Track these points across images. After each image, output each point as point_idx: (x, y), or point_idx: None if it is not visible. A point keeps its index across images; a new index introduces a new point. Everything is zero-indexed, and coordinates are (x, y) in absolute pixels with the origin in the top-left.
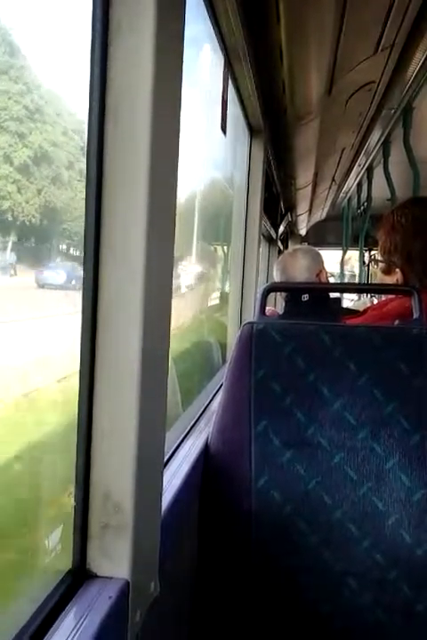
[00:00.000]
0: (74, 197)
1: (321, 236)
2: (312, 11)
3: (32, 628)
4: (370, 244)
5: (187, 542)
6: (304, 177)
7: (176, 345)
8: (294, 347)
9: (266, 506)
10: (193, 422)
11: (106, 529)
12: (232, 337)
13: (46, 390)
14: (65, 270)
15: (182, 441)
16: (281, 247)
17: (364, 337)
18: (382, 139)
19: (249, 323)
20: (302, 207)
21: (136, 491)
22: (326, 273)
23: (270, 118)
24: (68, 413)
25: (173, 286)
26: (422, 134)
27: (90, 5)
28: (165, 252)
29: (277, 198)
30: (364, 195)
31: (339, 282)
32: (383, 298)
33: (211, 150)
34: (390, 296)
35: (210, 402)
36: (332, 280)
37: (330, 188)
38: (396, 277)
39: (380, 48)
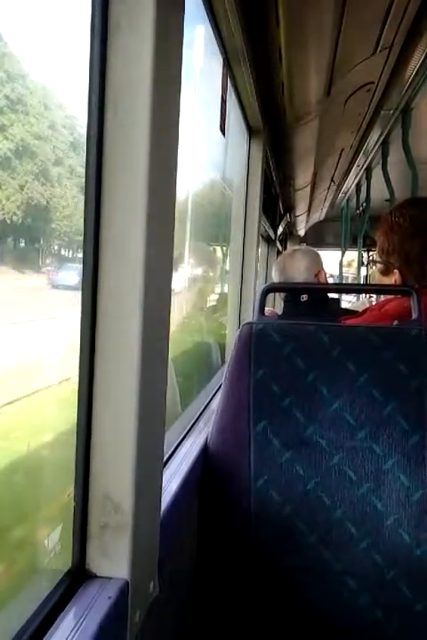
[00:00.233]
0: (64, 195)
1: (320, 236)
2: (311, 11)
3: (32, 627)
4: (369, 244)
5: (186, 542)
6: (303, 177)
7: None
8: (293, 347)
9: (265, 506)
10: (192, 422)
11: (105, 529)
12: (231, 337)
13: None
14: (77, 272)
15: (182, 441)
16: (280, 248)
17: (363, 337)
18: (381, 139)
19: (248, 323)
20: (301, 208)
21: (135, 491)
22: (325, 273)
23: (269, 119)
24: None
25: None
26: (420, 135)
27: (88, 3)
28: (165, 250)
29: (275, 199)
30: (363, 195)
31: (338, 282)
32: (382, 298)
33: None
34: (389, 296)
35: (209, 402)
36: (331, 281)
37: (329, 188)
38: (394, 278)
39: (379, 49)
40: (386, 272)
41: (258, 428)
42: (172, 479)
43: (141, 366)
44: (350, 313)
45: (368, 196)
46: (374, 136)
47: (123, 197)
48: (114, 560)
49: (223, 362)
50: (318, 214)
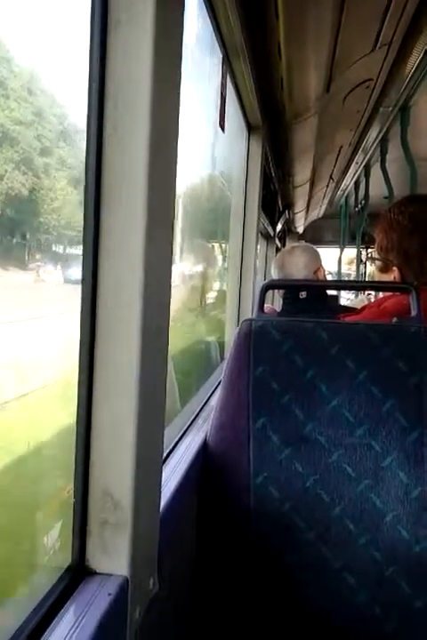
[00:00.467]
0: (52, 187)
1: (319, 233)
2: (311, 7)
3: (32, 624)
4: (367, 241)
5: (186, 539)
6: (302, 174)
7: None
8: (292, 344)
9: (264, 503)
10: (192, 418)
11: (105, 525)
12: (230, 334)
13: None
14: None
15: (181, 437)
16: (279, 245)
17: (362, 334)
18: (380, 136)
19: (248, 320)
20: (300, 205)
21: (135, 487)
22: (324, 270)
23: (268, 115)
24: None
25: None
26: (419, 132)
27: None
28: (165, 246)
29: (274, 195)
30: (361, 193)
31: (337, 279)
32: (381, 295)
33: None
34: (388, 294)
35: (208, 398)
36: (329, 278)
37: (328, 185)
38: (393, 275)
39: (378, 45)
40: (385, 269)
41: (257, 424)
42: (171, 476)
43: (141, 362)
44: (348, 310)
45: (367, 194)
46: (373, 133)
47: (123, 192)
48: (113, 557)
49: (222, 359)
50: (317, 211)
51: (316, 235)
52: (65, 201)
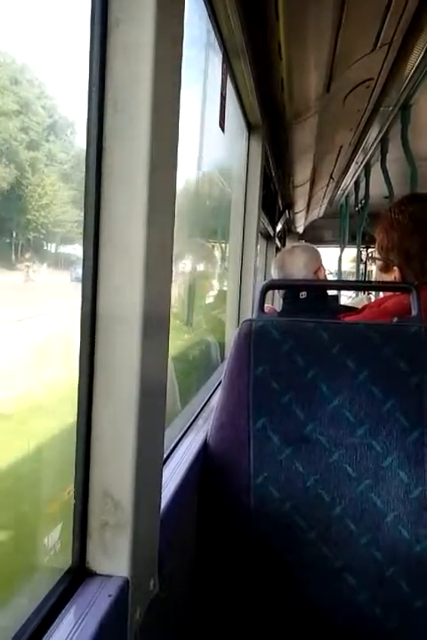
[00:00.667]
0: (41, 183)
1: (319, 233)
2: (311, 7)
3: (33, 625)
4: (368, 241)
5: (186, 540)
6: (302, 174)
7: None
8: (292, 344)
9: (265, 503)
10: (192, 419)
11: (105, 527)
12: (231, 334)
13: None
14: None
15: (181, 438)
16: (279, 245)
17: (362, 334)
18: (380, 136)
19: (248, 320)
20: (300, 205)
21: (135, 488)
22: (324, 270)
23: (269, 115)
24: None
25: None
26: (419, 131)
27: None
28: (165, 246)
29: (275, 195)
30: (361, 192)
31: (337, 279)
32: (381, 295)
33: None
34: (388, 293)
35: (209, 399)
36: (330, 278)
37: (328, 185)
38: (394, 275)
39: (378, 45)
40: (386, 269)
41: (258, 424)
42: (171, 476)
43: (142, 363)
44: (349, 310)
45: (367, 193)
46: (374, 133)
47: (123, 192)
48: (114, 558)
49: (223, 359)
50: (317, 211)
51: (316, 234)
52: (56, 197)
